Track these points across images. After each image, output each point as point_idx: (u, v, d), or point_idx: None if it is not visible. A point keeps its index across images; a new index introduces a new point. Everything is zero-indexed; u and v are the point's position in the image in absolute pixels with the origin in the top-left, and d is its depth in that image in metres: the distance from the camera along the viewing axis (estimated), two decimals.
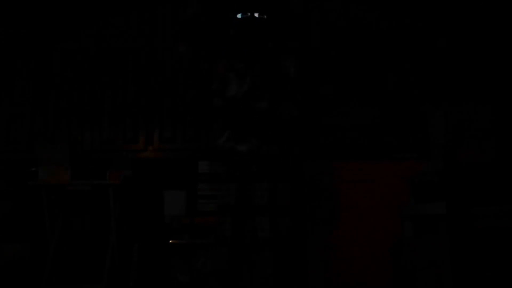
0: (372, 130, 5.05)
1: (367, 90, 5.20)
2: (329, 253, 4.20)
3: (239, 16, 3.24)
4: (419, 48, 5.23)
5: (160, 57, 5.28)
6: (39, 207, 4.62)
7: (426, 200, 3.70)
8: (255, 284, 3.12)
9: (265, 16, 3.26)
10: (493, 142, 4.60)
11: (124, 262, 4.67)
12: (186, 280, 4.54)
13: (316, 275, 4.20)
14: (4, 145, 5.10)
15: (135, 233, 4.88)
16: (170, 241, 4.63)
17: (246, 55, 3.27)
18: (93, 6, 5.34)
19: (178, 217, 4.74)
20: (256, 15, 3.24)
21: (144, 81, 5.24)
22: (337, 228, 4.26)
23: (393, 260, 4.08)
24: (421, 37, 5.24)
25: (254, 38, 3.28)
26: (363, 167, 4.39)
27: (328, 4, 5.34)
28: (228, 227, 3.21)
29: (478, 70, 5.11)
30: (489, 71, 5.10)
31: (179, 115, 5.17)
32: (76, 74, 5.25)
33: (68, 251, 4.74)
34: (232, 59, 3.30)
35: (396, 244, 4.07)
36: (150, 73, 5.26)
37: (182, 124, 5.17)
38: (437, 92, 5.09)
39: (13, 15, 5.31)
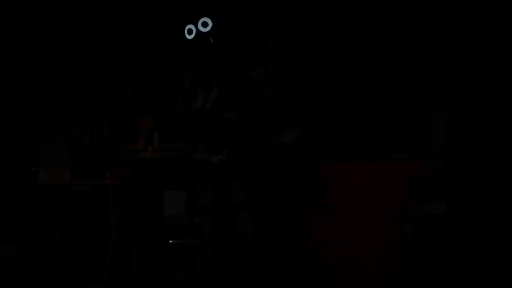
0: (372, 130, 5.04)
1: (367, 90, 5.19)
2: (329, 253, 4.20)
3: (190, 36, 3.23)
4: (419, 48, 5.23)
5: (160, 57, 5.27)
6: (39, 207, 4.62)
7: (426, 200, 3.70)
8: (248, 283, 3.12)
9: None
10: (493, 142, 4.60)
11: (124, 262, 4.67)
12: (186, 280, 4.54)
13: (316, 275, 4.20)
14: (4, 145, 5.10)
15: (135, 233, 4.88)
16: (170, 241, 4.63)
17: (212, 66, 3.29)
18: (93, 6, 5.34)
19: (178, 217, 4.73)
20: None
21: (144, 81, 5.24)
22: (337, 227, 4.26)
23: (393, 260, 4.08)
24: (421, 37, 5.24)
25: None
26: (363, 167, 4.39)
27: (328, 4, 5.33)
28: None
29: (478, 70, 5.11)
30: (489, 71, 5.09)
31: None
32: (76, 74, 5.25)
33: (68, 251, 4.74)
34: (198, 71, 3.34)
35: (396, 244, 4.07)
36: (150, 73, 5.25)
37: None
38: (437, 92, 5.08)
39: (13, 15, 5.30)
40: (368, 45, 5.25)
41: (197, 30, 3.14)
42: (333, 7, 5.33)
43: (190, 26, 3.19)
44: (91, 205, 4.89)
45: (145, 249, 4.80)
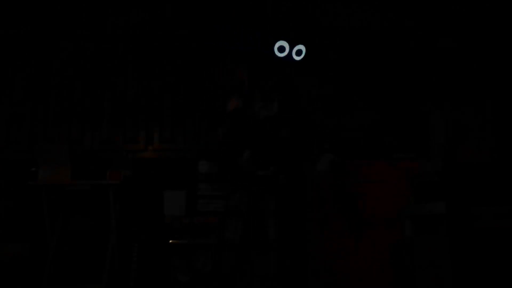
0: (372, 130, 5.05)
1: (367, 90, 5.20)
2: (329, 252, 4.20)
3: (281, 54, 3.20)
4: (419, 49, 5.24)
5: (160, 57, 5.28)
6: (39, 207, 4.62)
7: (426, 200, 3.70)
8: (256, 284, 3.14)
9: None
10: (493, 142, 4.61)
11: (124, 262, 4.67)
12: (186, 280, 4.54)
13: (316, 275, 4.20)
14: (4, 145, 5.10)
15: (135, 233, 4.88)
16: (170, 241, 4.63)
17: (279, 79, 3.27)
18: (93, 6, 5.34)
19: (178, 217, 4.74)
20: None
21: (144, 81, 5.24)
22: (338, 227, 4.26)
23: (393, 260, 4.08)
24: (421, 38, 5.25)
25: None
26: (364, 167, 4.39)
27: (329, 5, 5.34)
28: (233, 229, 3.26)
29: (478, 71, 5.12)
30: (489, 72, 5.10)
31: (179, 115, 5.17)
32: (76, 74, 5.25)
33: (68, 251, 4.74)
34: (255, 68, 3.31)
35: (396, 244, 4.07)
36: (150, 73, 5.26)
37: (182, 124, 5.17)
38: (437, 93, 5.09)
39: (13, 15, 5.31)
40: (368, 46, 5.26)
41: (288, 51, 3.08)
42: (333, 7, 5.34)
43: (283, 43, 3.13)
44: (91, 205, 4.89)
45: (145, 249, 4.80)
